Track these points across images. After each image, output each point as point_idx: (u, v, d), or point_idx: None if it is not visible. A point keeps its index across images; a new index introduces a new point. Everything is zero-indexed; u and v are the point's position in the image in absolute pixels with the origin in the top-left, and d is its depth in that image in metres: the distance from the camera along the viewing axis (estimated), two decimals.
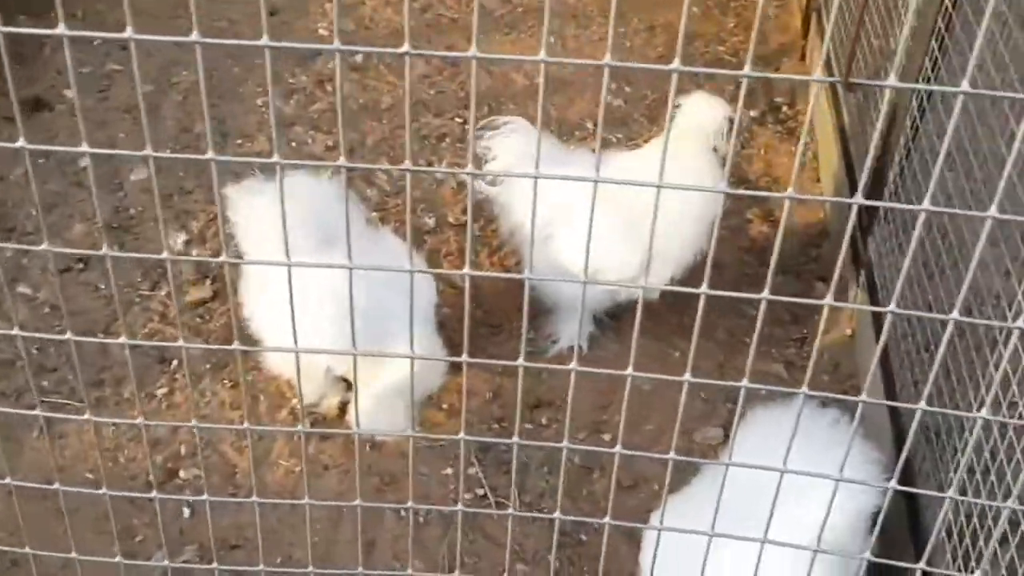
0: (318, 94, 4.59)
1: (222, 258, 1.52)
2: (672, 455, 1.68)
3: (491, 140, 3.53)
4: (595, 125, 4.45)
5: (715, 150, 3.35)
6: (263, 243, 3.16)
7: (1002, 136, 2.74)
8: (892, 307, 1.40)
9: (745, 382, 1.59)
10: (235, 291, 3.41)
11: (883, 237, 3.52)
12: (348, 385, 3.36)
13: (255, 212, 3.22)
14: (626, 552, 3.02)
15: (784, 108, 4.69)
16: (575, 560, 3.06)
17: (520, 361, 1.54)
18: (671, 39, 4.96)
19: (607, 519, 1.71)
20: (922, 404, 1.47)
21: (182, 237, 3.94)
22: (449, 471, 3.26)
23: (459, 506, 1.68)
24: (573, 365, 1.56)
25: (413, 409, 3.19)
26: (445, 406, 3.42)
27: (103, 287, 3.75)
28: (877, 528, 1.80)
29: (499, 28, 5.03)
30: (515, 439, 1.65)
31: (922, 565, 1.66)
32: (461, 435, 1.67)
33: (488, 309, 3.74)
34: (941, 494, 1.62)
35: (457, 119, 4.51)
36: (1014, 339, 1.96)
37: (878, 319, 3.42)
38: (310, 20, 5.07)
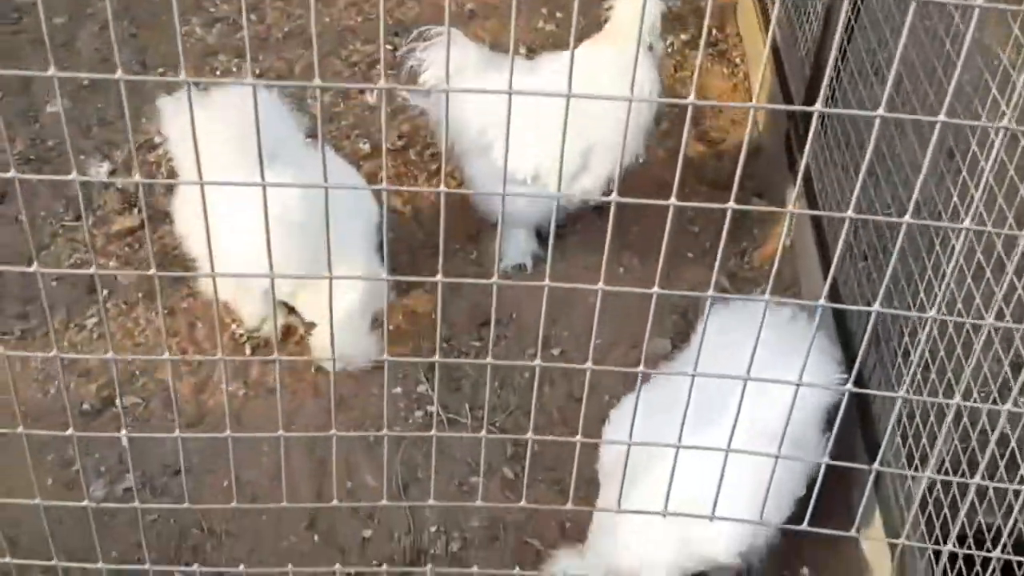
0: (241, 23, 4.44)
1: (136, 178, 1.43)
2: (641, 369, 1.67)
3: (424, 51, 3.44)
4: (529, 50, 4.38)
5: (651, 48, 3.29)
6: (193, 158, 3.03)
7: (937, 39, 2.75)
8: (850, 212, 1.40)
9: (711, 292, 1.56)
10: (166, 217, 3.29)
11: (819, 147, 3.53)
12: (289, 308, 3.26)
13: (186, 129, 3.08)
14: (583, 459, 2.99)
15: (714, 31, 4.67)
16: (530, 470, 3.02)
17: (495, 279, 1.52)
18: None
19: (579, 438, 1.70)
20: (877, 306, 1.48)
21: (105, 167, 3.78)
22: (399, 390, 3.19)
23: (433, 431, 1.62)
24: (546, 281, 1.53)
25: (385, 332, 3.12)
26: (392, 328, 3.34)
27: (23, 220, 3.58)
28: (835, 428, 1.81)
29: None
30: (488, 360, 1.62)
31: (876, 466, 1.66)
32: (436, 358, 1.63)
33: (429, 231, 3.67)
34: (895, 394, 1.62)
35: (388, 46, 4.39)
36: (962, 240, 1.97)
37: (818, 228, 3.43)
38: None
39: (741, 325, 2.40)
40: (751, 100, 4.38)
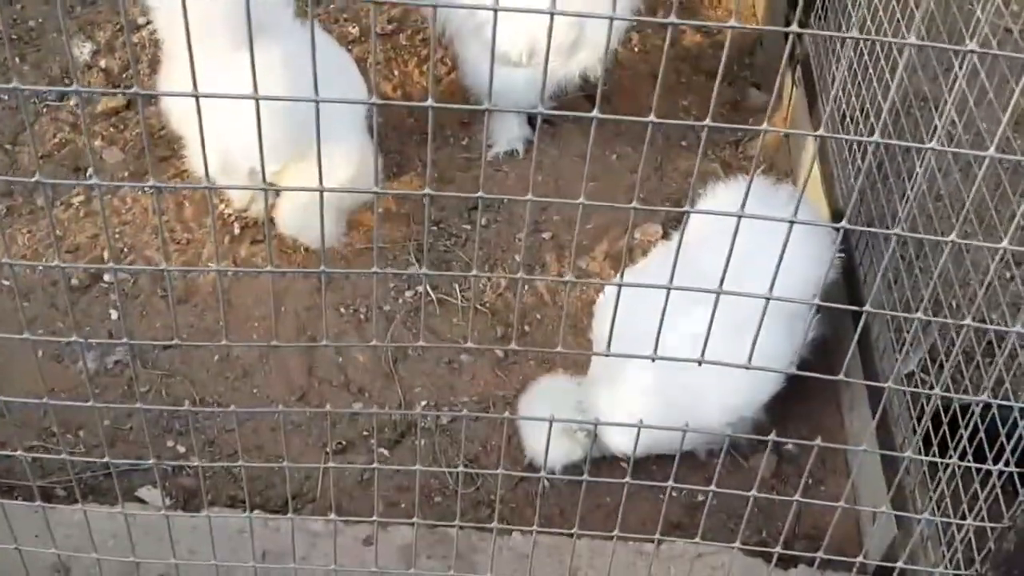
0: None
1: (134, 90, 1.35)
2: (620, 282, 1.63)
3: None
4: None
5: None
6: (181, 36, 2.96)
7: None
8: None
9: (687, 208, 1.51)
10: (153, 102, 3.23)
11: (818, 36, 3.48)
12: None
13: (172, 6, 3.01)
14: (570, 341, 3.00)
15: None
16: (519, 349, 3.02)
17: (479, 193, 1.48)
18: None
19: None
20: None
21: (88, 47, 3.70)
22: (389, 270, 3.17)
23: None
24: (529, 196, 1.49)
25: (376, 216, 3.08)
26: (381, 210, 3.32)
27: (6, 98, 3.51)
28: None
29: None
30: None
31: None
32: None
33: (420, 116, 3.62)
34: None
35: None
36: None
37: (815, 115, 3.40)
38: None
39: (736, 205, 2.39)
40: None
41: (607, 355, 1.73)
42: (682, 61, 3.97)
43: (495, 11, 1.33)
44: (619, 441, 2.58)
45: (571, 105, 3.70)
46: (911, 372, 2.57)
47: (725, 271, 1.58)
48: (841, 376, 1.65)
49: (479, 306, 3.09)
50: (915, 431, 2.33)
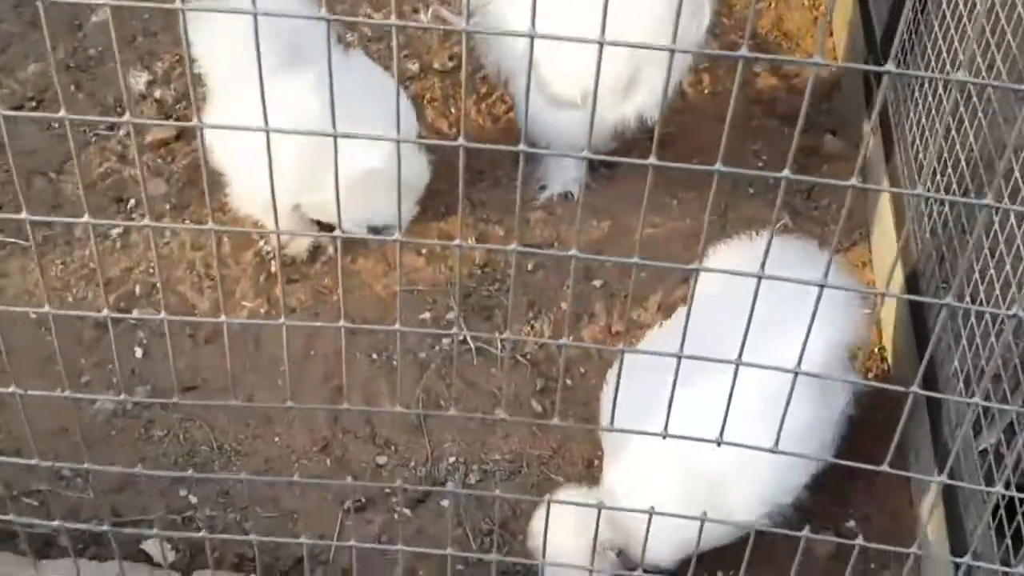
0: None
1: (193, 122, 1.27)
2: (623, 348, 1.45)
3: None
4: None
5: None
6: (227, 62, 2.87)
7: None
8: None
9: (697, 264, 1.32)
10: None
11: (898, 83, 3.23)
12: (320, 225, 3.11)
13: (217, 28, 2.92)
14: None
15: None
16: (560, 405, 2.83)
17: (514, 246, 1.31)
18: None
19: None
20: None
21: (144, 77, 3.65)
22: (427, 315, 3.01)
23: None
24: (573, 252, 1.32)
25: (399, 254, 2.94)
26: (424, 251, 3.16)
27: (56, 126, 3.47)
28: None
29: None
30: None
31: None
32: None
33: (475, 154, 3.45)
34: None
35: None
36: None
37: (891, 165, 3.14)
38: None
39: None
40: (831, 35, 4.08)
41: (610, 430, 1.54)
42: (754, 103, 3.75)
43: (531, 37, 1.18)
44: (657, 552, 2.22)
45: (632, 146, 3.52)
46: (984, 449, 2.30)
47: (745, 339, 1.37)
48: (885, 467, 1.42)
49: (519, 357, 2.90)
50: (989, 524, 2.07)
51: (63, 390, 1.65)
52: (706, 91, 3.80)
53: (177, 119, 3.51)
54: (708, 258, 2.48)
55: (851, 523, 2.60)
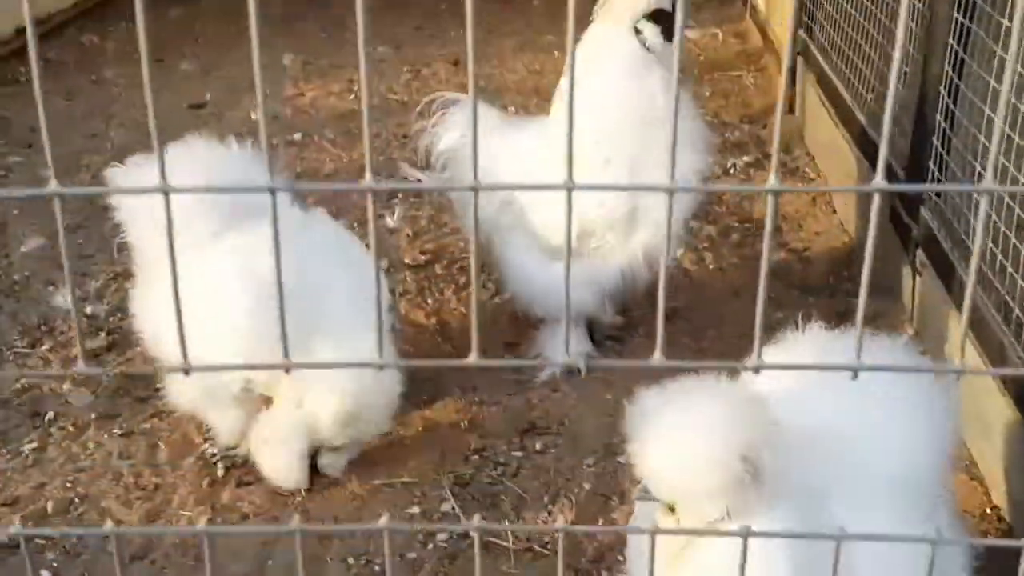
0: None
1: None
2: None
3: (435, 119, 2.91)
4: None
5: (638, 33, 2.66)
6: (152, 231, 2.43)
7: None
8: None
9: None
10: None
11: (933, 211, 2.86)
12: None
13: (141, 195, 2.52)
14: None
15: (781, 153, 4.13)
16: None
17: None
18: None
19: None
20: None
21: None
22: (416, 509, 2.39)
23: None
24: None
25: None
26: (407, 443, 2.59)
27: None
28: None
29: None
30: None
31: None
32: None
33: (457, 344, 2.98)
34: None
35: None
36: None
37: (952, 290, 2.69)
38: (240, 110, 4.57)
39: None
40: (833, 212, 3.76)
41: None
42: (769, 276, 3.34)
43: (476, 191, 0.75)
44: None
45: (640, 321, 3.07)
46: None
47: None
48: None
49: (538, 547, 2.27)
50: None
51: None
52: (711, 267, 3.40)
53: (109, 332, 3.02)
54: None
55: None
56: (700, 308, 3.17)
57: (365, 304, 2.42)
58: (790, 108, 4.45)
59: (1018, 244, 2.34)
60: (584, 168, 2.68)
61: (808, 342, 1.94)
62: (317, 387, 2.37)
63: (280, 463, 2.42)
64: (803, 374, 1.84)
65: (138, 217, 2.51)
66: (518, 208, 2.74)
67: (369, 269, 2.55)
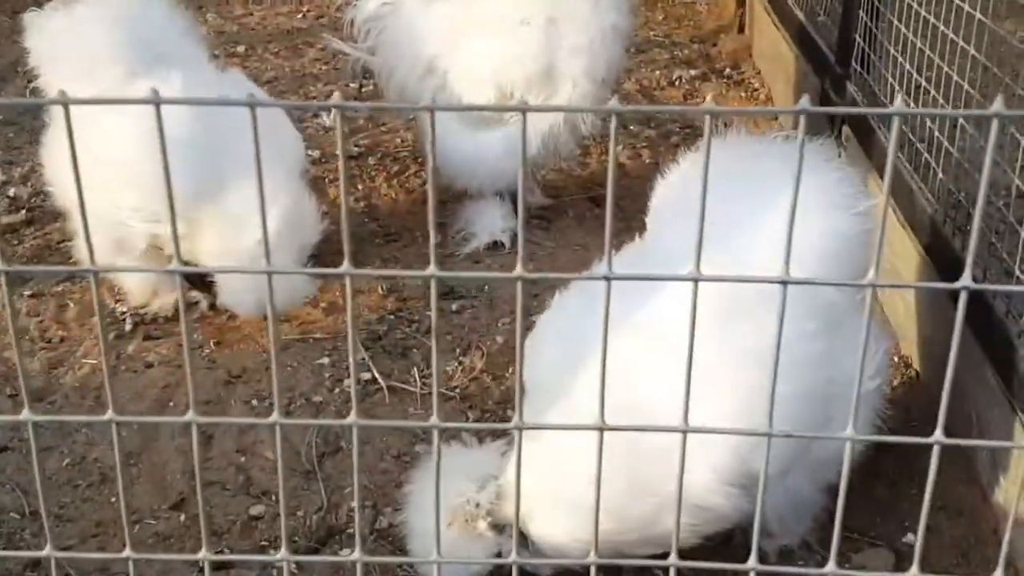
0: None
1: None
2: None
3: None
4: None
5: None
6: (65, 72, 2.39)
7: None
8: None
9: None
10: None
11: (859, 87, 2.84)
12: (190, 281, 2.51)
13: (55, 38, 2.47)
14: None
15: (727, 69, 4.12)
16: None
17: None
18: None
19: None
20: None
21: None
22: (326, 360, 2.35)
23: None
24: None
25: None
26: (324, 305, 2.55)
27: None
28: None
29: None
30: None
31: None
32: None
33: (383, 222, 2.94)
34: None
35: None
36: None
37: (873, 159, 2.67)
38: None
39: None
40: (775, 119, 3.74)
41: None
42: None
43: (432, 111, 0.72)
44: (546, 535, 1.61)
45: (570, 205, 3.04)
46: None
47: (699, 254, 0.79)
48: (938, 436, 0.80)
49: (446, 390, 2.23)
50: None
51: None
52: (647, 161, 3.37)
53: (29, 210, 2.97)
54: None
55: (909, 537, 1.88)
56: (631, 198, 3.14)
57: (282, 153, 2.39)
58: (740, 28, 4.43)
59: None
60: (502, 30, 2.66)
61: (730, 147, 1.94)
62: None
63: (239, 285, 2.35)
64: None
65: (52, 59, 2.48)
66: (441, 74, 2.70)
67: (284, 123, 2.53)
